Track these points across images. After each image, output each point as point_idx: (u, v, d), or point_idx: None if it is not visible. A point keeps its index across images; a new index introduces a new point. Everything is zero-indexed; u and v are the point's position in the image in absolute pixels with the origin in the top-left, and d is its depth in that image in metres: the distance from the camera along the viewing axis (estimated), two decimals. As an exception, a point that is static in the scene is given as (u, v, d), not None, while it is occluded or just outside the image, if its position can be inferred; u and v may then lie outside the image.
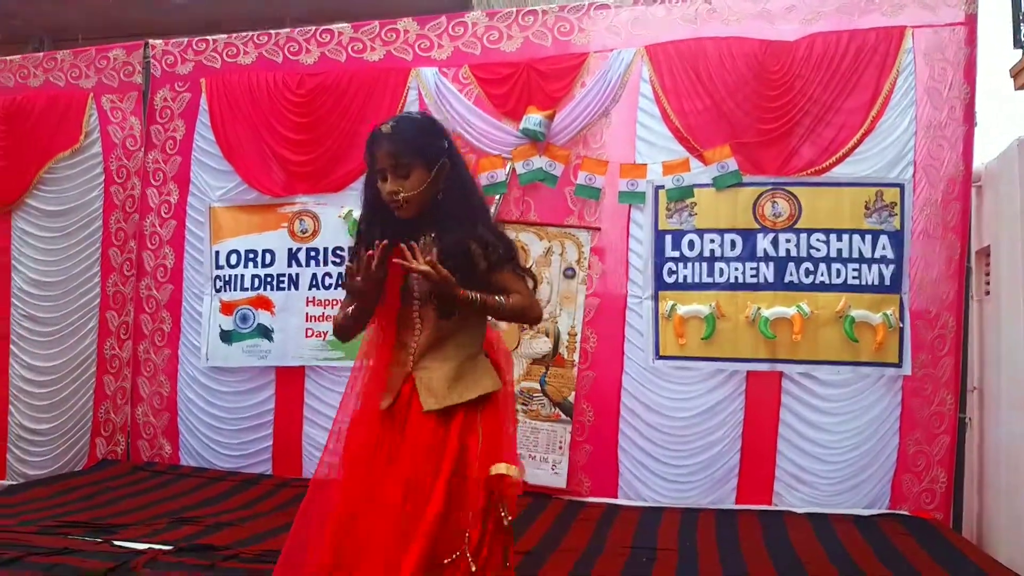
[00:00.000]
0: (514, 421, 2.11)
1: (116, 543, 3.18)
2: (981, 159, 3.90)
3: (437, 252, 1.96)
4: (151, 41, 4.76)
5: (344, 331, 2.07)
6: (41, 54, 5.07)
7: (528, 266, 2.13)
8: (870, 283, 3.83)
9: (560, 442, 4.09)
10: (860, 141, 3.87)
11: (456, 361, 1.98)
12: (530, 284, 2.05)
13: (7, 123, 4.83)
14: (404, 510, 1.87)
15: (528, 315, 2.05)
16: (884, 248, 3.84)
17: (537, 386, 4.13)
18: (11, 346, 4.88)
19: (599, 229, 4.14)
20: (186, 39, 4.70)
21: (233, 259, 4.52)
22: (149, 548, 3.10)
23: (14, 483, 4.62)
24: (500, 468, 1.89)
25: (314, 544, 1.98)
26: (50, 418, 4.82)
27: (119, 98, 4.78)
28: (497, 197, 4.20)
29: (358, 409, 2.04)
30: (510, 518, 1.87)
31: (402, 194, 1.93)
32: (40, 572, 2.78)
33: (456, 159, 2.03)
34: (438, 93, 4.28)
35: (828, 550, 3.27)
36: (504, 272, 2.00)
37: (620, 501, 4.03)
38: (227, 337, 4.50)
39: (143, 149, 4.74)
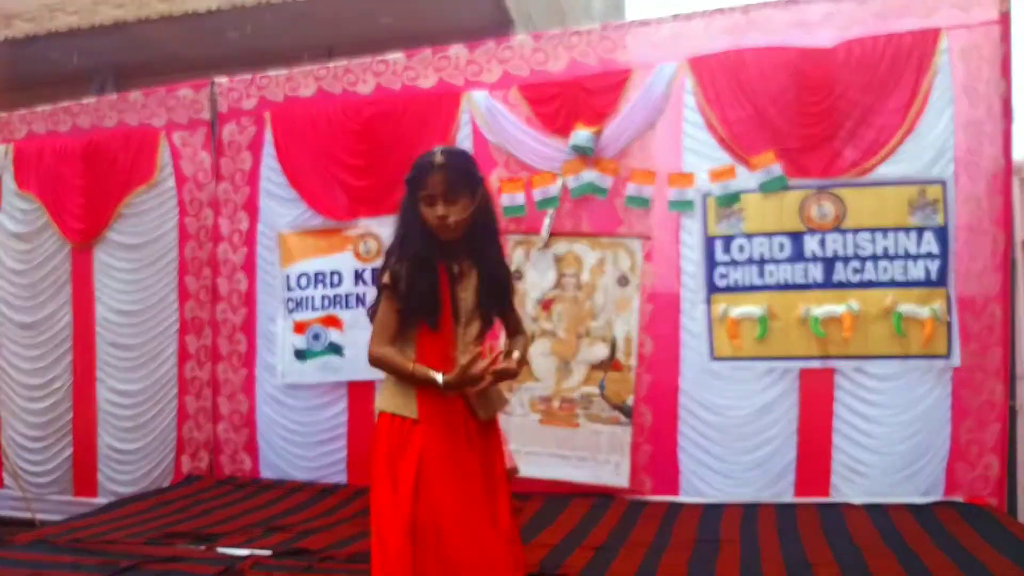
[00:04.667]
0: None
1: (219, 550, 3.44)
2: (1022, 152, 4.00)
3: (479, 278, 2.23)
4: (216, 79, 5.06)
5: (386, 370, 2.24)
6: (114, 96, 5.39)
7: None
8: (917, 279, 3.95)
9: (621, 444, 4.27)
10: (901, 141, 3.97)
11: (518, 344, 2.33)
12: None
13: (86, 162, 5.16)
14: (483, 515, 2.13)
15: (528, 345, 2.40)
16: (929, 244, 3.95)
17: (596, 390, 4.31)
18: (98, 372, 5.21)
19: (650, 237, 4.30)
20: (249, 76, 4.98)
21: (303, 281, 4.79)
22: (251, 554, 3.35)
23: (111, 500, 4.93)
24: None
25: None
26: (137, 438, 5.13)
27: (189, 134, 5.07)
28: (550, 211, 4.40)
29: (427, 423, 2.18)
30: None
31: (452, 218, 2.14)
32: (158, 578, 3.04)
33: (488, 191, 2.27)
34: (489, 115, 4.49)
35: (885, 537, 3.39)
36: (512, 304, 2.36)
37: (682, 498, 4.18)
38: (301, 355, 4.77)
39: (214, 181, 5.03)
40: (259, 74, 4.97)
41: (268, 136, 4.88)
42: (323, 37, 6.36)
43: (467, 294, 2.22)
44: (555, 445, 4.33)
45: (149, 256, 5.11)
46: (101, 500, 5.04)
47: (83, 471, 5.24)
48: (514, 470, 2.33)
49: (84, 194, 5.17)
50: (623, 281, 4.33)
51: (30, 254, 5.32)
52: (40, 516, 4.98)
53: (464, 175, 2.18)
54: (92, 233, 5.16)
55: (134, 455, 5.13)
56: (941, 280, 3.93)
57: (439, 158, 2.16)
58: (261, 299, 4.93)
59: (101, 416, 5.19)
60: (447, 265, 2.20)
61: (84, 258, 5.22)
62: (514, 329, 2.38)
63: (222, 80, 5.04)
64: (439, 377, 2.10)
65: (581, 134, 4.26)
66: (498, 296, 2.25)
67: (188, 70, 6.01)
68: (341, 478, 4.75)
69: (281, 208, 4.86)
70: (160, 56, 6.77)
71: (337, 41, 6.31)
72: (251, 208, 4.96)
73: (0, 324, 5.41)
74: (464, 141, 4.53)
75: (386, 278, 2.18)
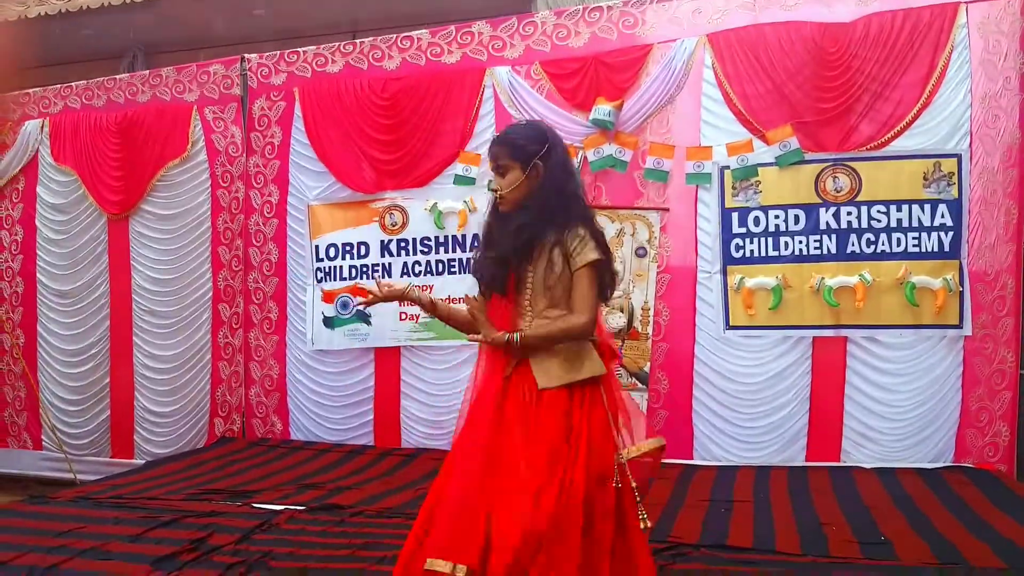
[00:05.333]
0: (620, 395, 2.28)
1: (255, 505, 3.63)
2: (1037, 126, 4.04)
3: (547, 251, 2.19)
4: (247, 55, 5.19)
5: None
6: (147, 72, 5.53)
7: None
8: (930, 250, 4.03)
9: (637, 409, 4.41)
10: (917, 115, 4.04)
11: (564, 346, 2.19)
12: (598, 288, 2.21)
13: (121, 136, 5.33)
14: (523, 475, 2.08)
15: (571, 335, 2.18)
16: (943, 216, 4.03)
17: (615, 358, 4.45)
18: (134, 338, 5.41)
19: (668, 209, 4.41)
20: (278, 52, 5.11)
21: (331, 252, 4.95)
22: (286, 509, 3.54)
23: (148, 460, 5.15)
24: (647, 445, 2.15)
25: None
26: (172, 401, 5.34)
27: (220, 109, 5.21)
28: (571, 184, 4.50)
29: (479, 382, 2.33)
30: (620, 485, 2.09)
31: (500, 192, 2.25)
32: (198, 531, 3.18)
33: (551, 162, 2.23)
34: (512, 90, 4.59)
35: (895, 498, 3.52)
36: (581, 275, 2.18)
37: (696, 461, 4.32)
38: (329, 323, 4.94)
39: (244, 155, 5.18)
40: (288, 51, 5.09)
41: (297, 111, 5.01)
42: (348, 15, 6.44)
43: (535, 268, 2.21)
44: (574, 410, 4.47)
45: (183, 227, 5.28)
46: (137, 461, 5.28)
47: (120, 433, 5.47)
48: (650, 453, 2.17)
49: (119, 167, 5.34)
50: (641, 252, 4.44)
51: (67, 224, 5.52)
52: (77, 476, 5.22)
53: (511, 148, 2.22)
54: (128, 205, 5.34)
55: (169, 418, 5.35)
56: (954, 252, 4.02)
57: (498, 134, 2.30)
58: (291, 269, 5.09)
59: (137, 380, 5.41)
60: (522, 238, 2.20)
61: (120, 229, 5.41)
62: (572, 308, 2.19)
63: (252, 56, 5.17)
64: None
65: (602, 108, 4.35)
66: (560, 271, 2.18)
67: (216, 47, 6.13)
68: (368, 440, 4.94)
69: (310, 181, 5.00)
70: (188, 34, 6.88)
71: (362, 19, 6.39)
72: (281, 181, 5.10)
73: (38, 293, 5.62)
74: (487, 116, 4.64)
75: None
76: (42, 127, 5.58)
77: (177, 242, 5.30)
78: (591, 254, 2.17)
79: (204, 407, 5.33)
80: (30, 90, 5.69)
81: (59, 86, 5.62)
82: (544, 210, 2.20)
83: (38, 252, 5.62)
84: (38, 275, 5.62)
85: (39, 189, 5.60)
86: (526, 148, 2.24)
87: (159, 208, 5.32)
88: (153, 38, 7.07)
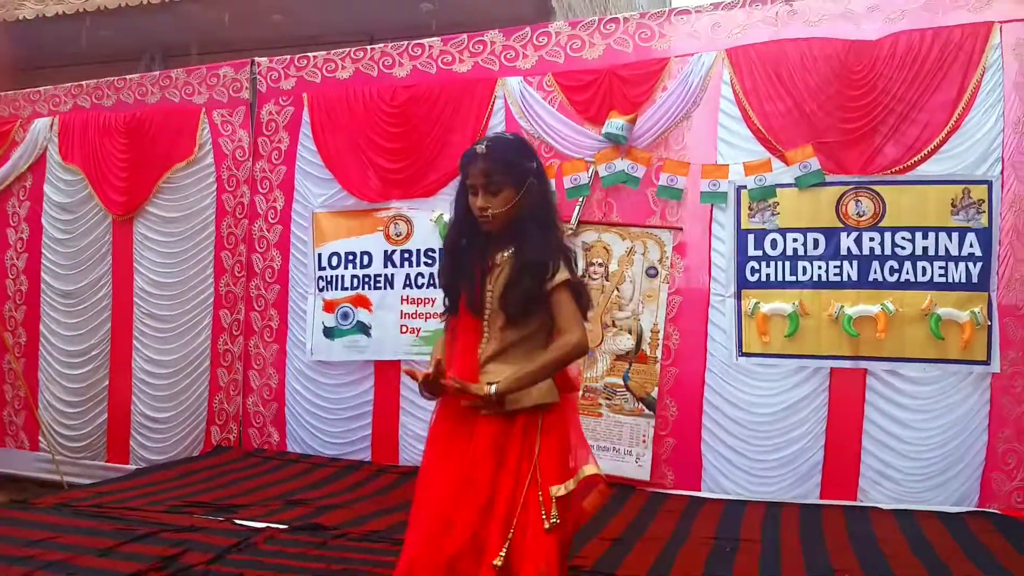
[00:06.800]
0: (577, 426, 2.18)
1: (237, 522, 3.49)
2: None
3: (511, 270, 2.08)
4: (257, 59, 5.11)
5: None
6: (157, 73, 5.48)
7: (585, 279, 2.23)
8: (957, 281, 3.82)
9: (643, 436, 4.23)
10: (946, 139, 3.85)
11: (518, 369, 2.06)
12: (581, 307, 2.11)
13: (128, 136, 5.27)
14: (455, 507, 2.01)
15: (570, 359, 2.09)
16: (971, 245, 3.82)
17: (620, 381, 4.28)
18: (134, 341, 5.33)
19: (681, 229, 4.25)
20: (288, 56, 5.03)
21: (334, 261, 4.83)
22: (267, 527, 3.40)
23: (139, 467, 5.05)
24: (586, 471, 2.06)
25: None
26: (169, 407, 5.24)
27: (229, 112, 5.14)
28: (580, 199, 4.36)
29: (440, 407, 2.20)
30: (554, 521, 1.96)
31: (491, 211, 2.08)
32: (171, 547, 3.06)
33: (542, 179, 2.17)
34: (523, 101, 4.47)
35: (913, 546, 3.30)
36: (559, 295, 2.08)
37: (703, 493, 4.13)
38: (329, 333, 4.81)
39: (251, 159, 5.09)
40: (298, 55, 5.01)
41: (305, 116, 4.92)
42: (364, 23, 6.40)
43: (495, 287, 2.12)
44: (577, 434, 4.31)
45: (187, 230, 5.20)
46: (132, 467, 5.18)
47: (116, 437, 5.37)
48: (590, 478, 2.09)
49: (126, 167, 5.28)
50: (652, 272, 4.28)
51: (73, 224, 5.47)
52: (71, 479, 5.13)
53: (507, 166, 2.09)
54: (133, 206, 5.27)
55: (166, 424, 5.24)
56: (983, 283, 3.81)
57: (481, 147, 2.10)
58: (293, 276, 4.99)
59: (136, 384, 5.32)
60: (487, 255, 2.14)
61: (125, 230, 5.34)
62: (561, 329, 2.09)
63: (262, 60, 5.10)
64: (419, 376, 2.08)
65: (615, 122, 4.21)
66: (523, 292, 2.06)
67: (233, 52, 6.08)
68: (366, 455, 4.80)
69: (316, 188, 4.90)
70: (206, 37, 6.88)
71: (378, 28, 6.34)
72: (287, 187, 5.01)
73: (42, 291, 5.56)
74: (497, 127, 4.52)
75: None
76: (51, 125, 5.54)
77: (180, 245, 5.22)
78: (564, 273, 2.09)
79: (201, 414, 5.21)
80: (41, 88, 5.66)
81: (70, 84, 5.59)
82: (539, 231, 2.11)
83: (43, 251, 5.57)
84: (42, 274, 5.57)
85: (46, 187, 5.55)
86: (523, 165, 2.13)
87: (164, 211, 5.24)
88: (171, 41, 7.09)
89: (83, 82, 5.56)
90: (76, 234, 5.46)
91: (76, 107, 5.53)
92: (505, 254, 2.12)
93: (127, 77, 5.48)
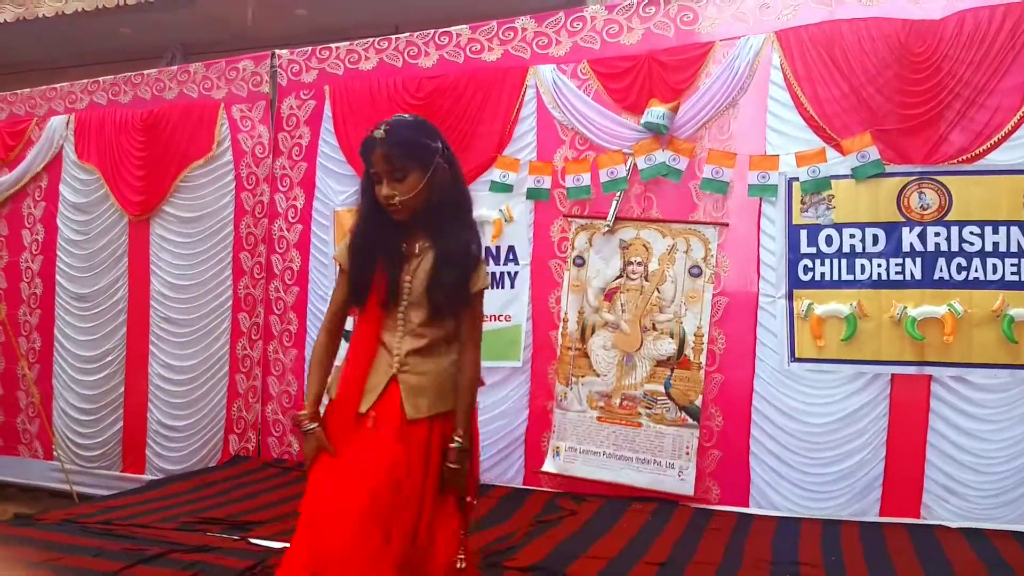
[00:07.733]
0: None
1: (252, 540, 3.27)
2: None
3: (434, 260, 2.02)
4: (277, 51, 4.92)
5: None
6: (175, 67, 5.31)
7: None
8: (1032, 279, 3.53)
9: (687, 447, 3.95)
10: (1017, 125, 3.54)
11: (440, 368, 2.07)
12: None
13: (145, 134, 5.09)
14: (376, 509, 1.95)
15: (478, 373, 2.14)
16: (1048, 240, 3.53)
17: (662, 389, 4.00)
18: (150, 346, 5.13)
19: (727, 225, 3.97)
20: (310, 48, 4.83)
21: (356, 261, 4.60)
22: (284, 547, 3.15)
23: (154, 479, 4.84)
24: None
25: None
26: (186, 415, 5.03)
27: (248, 107, 4.95)
28: (617, 194, 4.10)
29: (332, 405, 2.12)
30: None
31: (398, 198, 1.97)
32: (182, 570, 2.87)
33: (451, 160, 2.08)
34: (556, 90, 4.23)
35: (991, 568, 3.01)
36: (477, 303, 2.11)
37: (752, 510, 3.84)
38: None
39: (271, 156, 4.89)
40: (319, 46, 4.80)
41: (327, 110, 4.72)
42: (390, 14, 6.22)
43: (414, 278, 2.03)
44: (614, 445, 4.04)
45: (205, 231, 5.01)
46: (147, 477, 4.99)
47: (132, 446, 5.18)
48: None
49: (143, 166, 5.10)
50: (695, 272, 4.00)
51: (88, 225, 5.29)
52: (86, 490, 4.94)
53: (410, 148, 1.98)
54: (150, 206, 5.09)
55: (183, 432, 5.04)
56: (1060, 282, 3.50)
57: (380, 132, 1.99)
58: (313, 278, 4.77)
59: (152, 391, 5.12)
60: (400, 246, 2.06)
61: (141, 231, 5.15)
62: (466, 333, 2.10)
63: (282, 52, 4.90)
64: (303, 423, 2.08)
65: (655, 111, 3.95)
66: (452, 283, 2.02)
67: (256, 47, 5.91)
68: (387, 468, 4.54)
69: (337, 185, 4.69)
70: (229, 33, 6.74)
71: (404, 18, 6.15)
72: (307, 185, 4.80)
73: (56, 295, 5.39)
74: (528, 119, 4.31)
75: (335, 257, 2.12)
76: (67, 123, 5.38)
77: (198, 247, 5.02)
78: (485, 279, 2.09)
79: (219, 422, 5.01)
80: (57, 85, 5.51)
81: (86, 81, 5.43)
82: (454, 215, 2.06)
83: (58, 253, 5.40)
84: (57, 276, 5.40)
85: (62, 187, 5.38)
86: (427, 146, 2.00)
87: (181, 210, 5.05)
88: (192, 37, 6.96)
89: (100, 78, 5.40)
90: (91, 235, 5.28)
91: (92, 104, 5.37)
92: (424, 243, 2.05)
93: (144, 72, 5.31)
